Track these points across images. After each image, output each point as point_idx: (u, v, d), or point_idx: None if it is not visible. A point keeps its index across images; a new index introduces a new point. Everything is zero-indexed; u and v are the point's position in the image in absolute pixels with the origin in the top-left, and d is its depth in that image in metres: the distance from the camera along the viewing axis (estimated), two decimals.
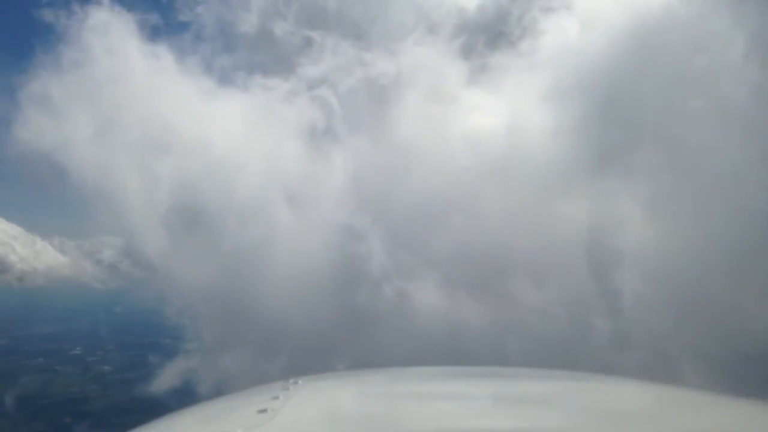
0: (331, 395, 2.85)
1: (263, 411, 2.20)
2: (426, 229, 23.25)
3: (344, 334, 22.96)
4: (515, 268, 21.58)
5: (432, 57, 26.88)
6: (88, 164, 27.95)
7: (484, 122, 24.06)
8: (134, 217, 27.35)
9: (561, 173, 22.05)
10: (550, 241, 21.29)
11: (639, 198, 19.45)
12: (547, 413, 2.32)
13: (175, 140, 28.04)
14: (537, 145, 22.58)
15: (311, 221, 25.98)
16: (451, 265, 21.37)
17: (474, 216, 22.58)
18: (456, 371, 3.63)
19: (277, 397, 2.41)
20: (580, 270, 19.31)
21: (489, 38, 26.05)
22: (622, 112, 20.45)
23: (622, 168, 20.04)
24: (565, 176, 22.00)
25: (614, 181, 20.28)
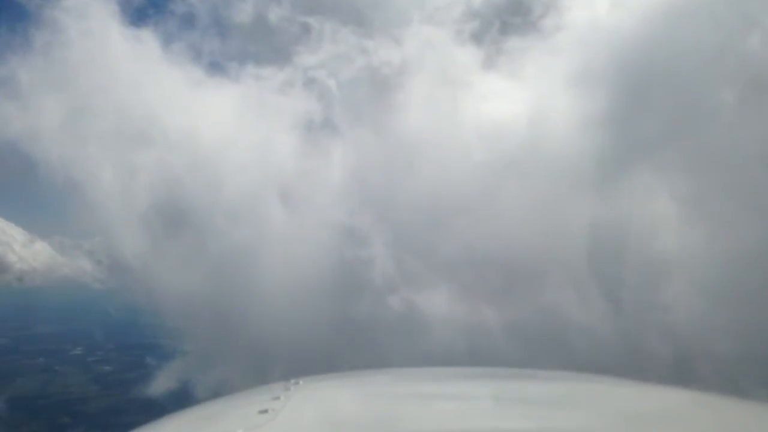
0: (332, 396, 2.90)
1: (264, 411, 2.25)
2: (435, 231, 21.11)
3: (344, 346, 21.04)
4: (537, 275, 19.52)
5: (441, 40, 24.89)
6: (65, 159, 26.03)
7: (502, 111, 21.93)
8: (114, 216, 25.50)
9: (589, 168, 20.13)
10: (577, 245, 19.14)
11: (677, 196, 17.79)
12: (548, 414, 2.33)
13: (160, 132, 26.18)
14: (562, 137, 20.48)
15: (307, 222, 24.79)
16: (464, 272, 19.17)
17: (490, 217, 20.39)
18: (457, 372, 3.74)
19: (278, 398, 2.46)
20: (611, 278, 17.65)
21: (506, 17, 23.95)
22: (659, 99, 18.71)
23: (658, 162, 18.46)
24: (594, 172, 20.15)
25: (649, 177, 18.62)
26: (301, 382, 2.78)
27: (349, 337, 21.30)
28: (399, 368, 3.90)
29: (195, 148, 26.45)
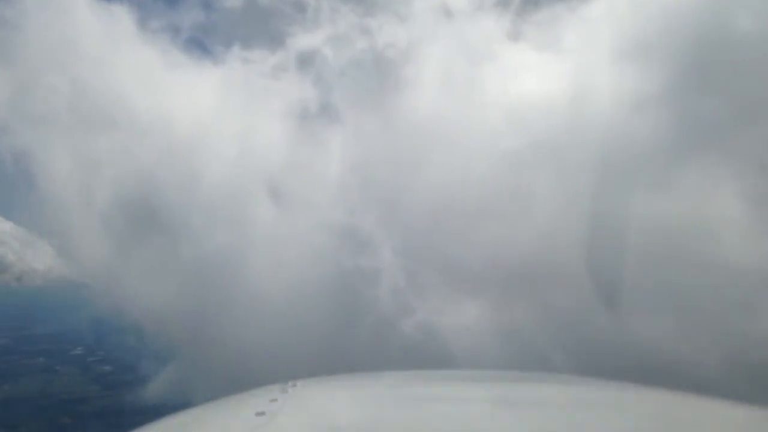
0: (329, 398, 2.95)
1: (261, 414, 2.28)
2: (454, 235, 17.85)
3: (342, 367, 17.53)
4: (576, 282, 16.44)
5: (457, 6, 21.78)
6: (13, 147, 22.89)
7: (535, 89, 18.84)
8: (72, 212, 22.48)
9: (641, 157, 17.15)
10: (629, 250, 16.14)
11: (744, 192, 15.45)
12: (541, 416, 2.36)
13: (130, 117, 23.23)
14: (609, 120, 17.41)
15: (301, 221, 21.61)
16: (490, 287, 15.88)
17: (520, 218, 17.14)
18: (454, 375, 3.81)
19: (275, 400, 2.52)
20: (670, 288, 15.20)
21: None
22: (725, 77, 16.25)
23: (723, 152, 16.16)
24: (647, 162, 17.17)
25: (712, 168, 16.36)
26: (298, 384, 2.88)
27: (348, 358, 17.98)
28: (395, 371, 3.78)
29: (171, 136, 23.34)
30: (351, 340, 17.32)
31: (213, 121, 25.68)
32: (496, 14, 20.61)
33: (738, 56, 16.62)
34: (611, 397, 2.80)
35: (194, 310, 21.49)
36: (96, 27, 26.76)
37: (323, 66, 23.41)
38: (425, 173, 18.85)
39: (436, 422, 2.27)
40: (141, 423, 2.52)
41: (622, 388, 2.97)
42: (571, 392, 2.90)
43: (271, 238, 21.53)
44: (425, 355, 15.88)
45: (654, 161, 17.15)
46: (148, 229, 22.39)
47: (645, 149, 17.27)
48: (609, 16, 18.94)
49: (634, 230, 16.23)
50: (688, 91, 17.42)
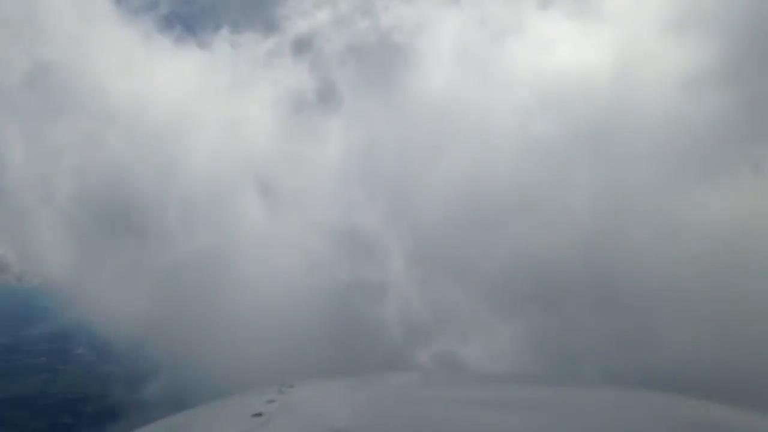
0: (326, 399, 2.82)
1: (258, 415, 2.21)
2: (474, 238, 15.16)
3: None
4: (623, 289, 13.87)
5: None
6: None
7: (571, 66, 16.06)
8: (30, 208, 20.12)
9: (698, 142, 14.58)
10: (680, 248, 13.68)
11: None
12: (538, 416, 2.28)
13: (104, 102, 20.70)
14: (658, 100, 14.67)
15: (294, 222, 19.07)
16: (524, 295, 13.14)
17: (554, 217, 14.46)
18: (451, 377, 3.68)
19: (272, 401, 2.46)
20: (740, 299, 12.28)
21: None
22: None
23: None
24: (705, 147, 14.60)
25: None
26: (294, 386, 2.77)
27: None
28: (392, 372, 3.61)
29: (150, 125, 20.81)
30: (351, 354, 14.80)
31: (197, 110, 23.22)
32: None
33: None
34: (611, 399, 2.66)
35: (169, 322, 19.17)
36: (66, 1, 24.18)
37: (322, 50, 20.79)
38: (441, 166, 16.21)
39: (433, 423, 2.17)
40: (141, 423, 2.37)
41: (621, 391, 2.83)
42: (570, 393, 2.76)
43: (259, 240, 19.03)
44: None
45: (713, 149, 14.47)
46: (122, 228, 19.91)
47: (702, 132, 14.59)
48: None
49: (691, 228, 13.52)
50: (751, 68, 14.81)
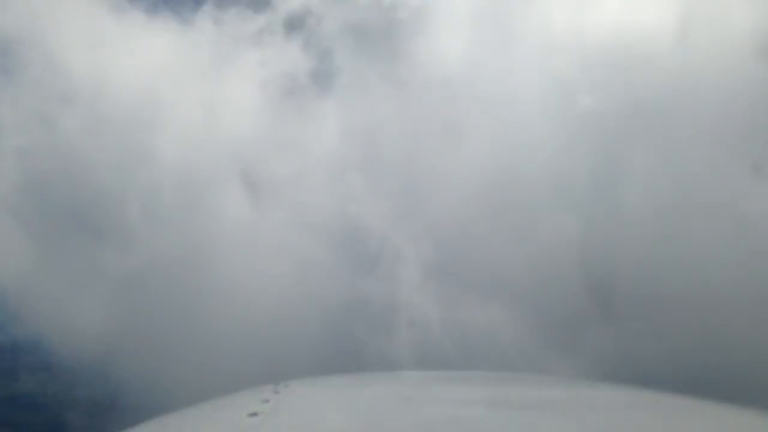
0: (322, 398, 3.00)
1: (254, 414, 2.28)
2: (497, 239, 12.95)
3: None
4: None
5: None
6: None
7: (623, 27, 13.58)
8: None
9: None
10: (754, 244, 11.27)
11: None
12: (537, 417, 2.34)
13: (59, 78, 18.68)
14: (729, 68, 12.29)
15: (286, 221, 16.64)
16: (571, 311, 10.60)
17: (603, 207, 11.99)
18: (447, 376, 3.85)
19: (267, 401, 2.57)
20: None
21: None
22: None
23: None
24: None
25: None
26: (290, 385, 2.92)
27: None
28: (388, 372, 3.90)
29: (115, 106, 18.59)
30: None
31: (174, 92, 21.09)
32: None
33: None
34: (611, 400, 2.78)
35: (136, 336, 16.78)
36: None
37: (319, 19, 18.78)
38: (461, 151, 13.67)
39: (430, 423, 2.23)
40: (135, 422, 2.53)
41: (619, 390, 3.00)
42: (569, 394, 2.90)
43: (244, 242, 16.63)
44: None
45: None
46: (81, 226, 17.63)
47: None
48: None
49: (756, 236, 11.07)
50: None
